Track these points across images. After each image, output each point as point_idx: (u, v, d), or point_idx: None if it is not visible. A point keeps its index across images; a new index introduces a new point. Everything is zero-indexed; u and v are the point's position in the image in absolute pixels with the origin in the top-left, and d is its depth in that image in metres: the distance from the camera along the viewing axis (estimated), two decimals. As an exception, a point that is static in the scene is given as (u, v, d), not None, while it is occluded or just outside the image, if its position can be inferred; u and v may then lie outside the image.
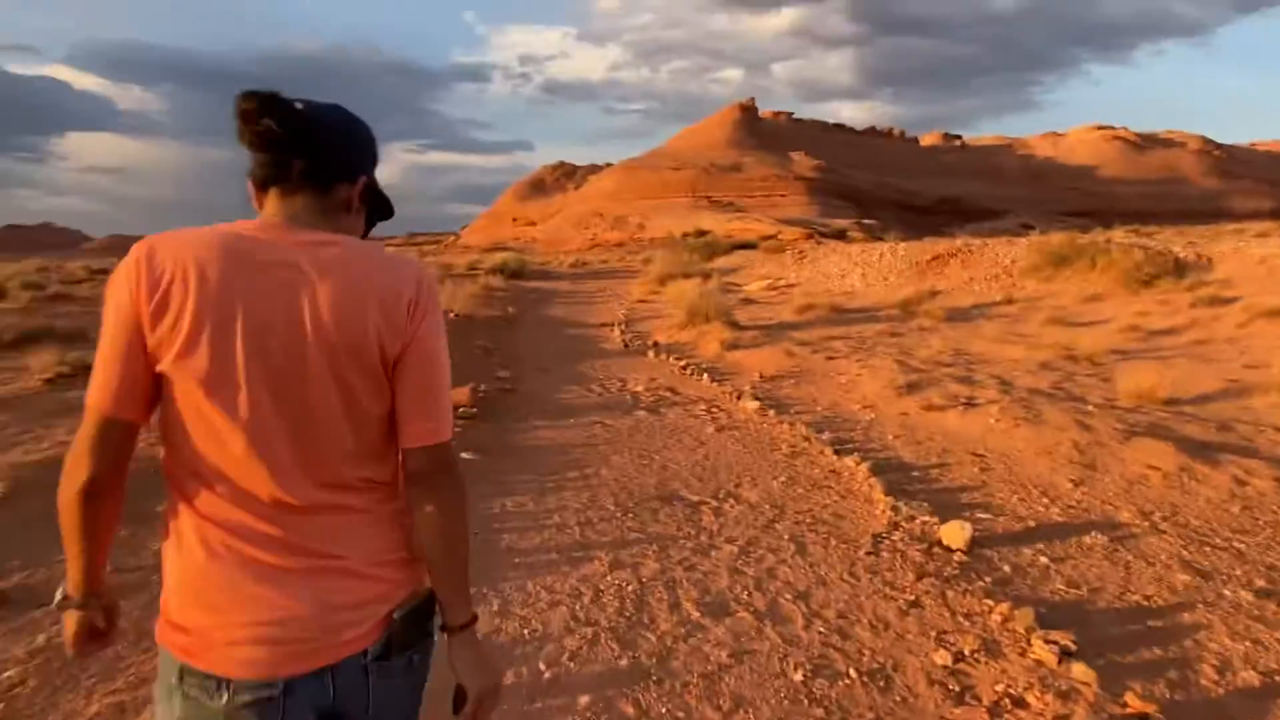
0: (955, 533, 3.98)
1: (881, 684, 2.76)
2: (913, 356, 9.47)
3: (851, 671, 2.83)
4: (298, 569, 1.13)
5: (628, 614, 3.28)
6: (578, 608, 3.32)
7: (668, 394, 8.13)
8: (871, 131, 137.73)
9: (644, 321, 15.01)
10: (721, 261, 28.46)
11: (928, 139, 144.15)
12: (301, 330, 1.11)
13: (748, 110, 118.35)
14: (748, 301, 16.68)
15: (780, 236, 56.21)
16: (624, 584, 3.55)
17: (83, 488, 1.13)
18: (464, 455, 5.50)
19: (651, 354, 10.94)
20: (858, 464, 5.32)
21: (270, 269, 1.12)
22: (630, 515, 4.46)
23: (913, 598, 3.41)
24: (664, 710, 2.61)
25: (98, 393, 1.12)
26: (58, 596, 1.23)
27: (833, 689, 2.73)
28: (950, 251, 18.70)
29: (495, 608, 3.30)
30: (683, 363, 9.98)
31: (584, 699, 2.67)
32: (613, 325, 14.61)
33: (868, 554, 3.89)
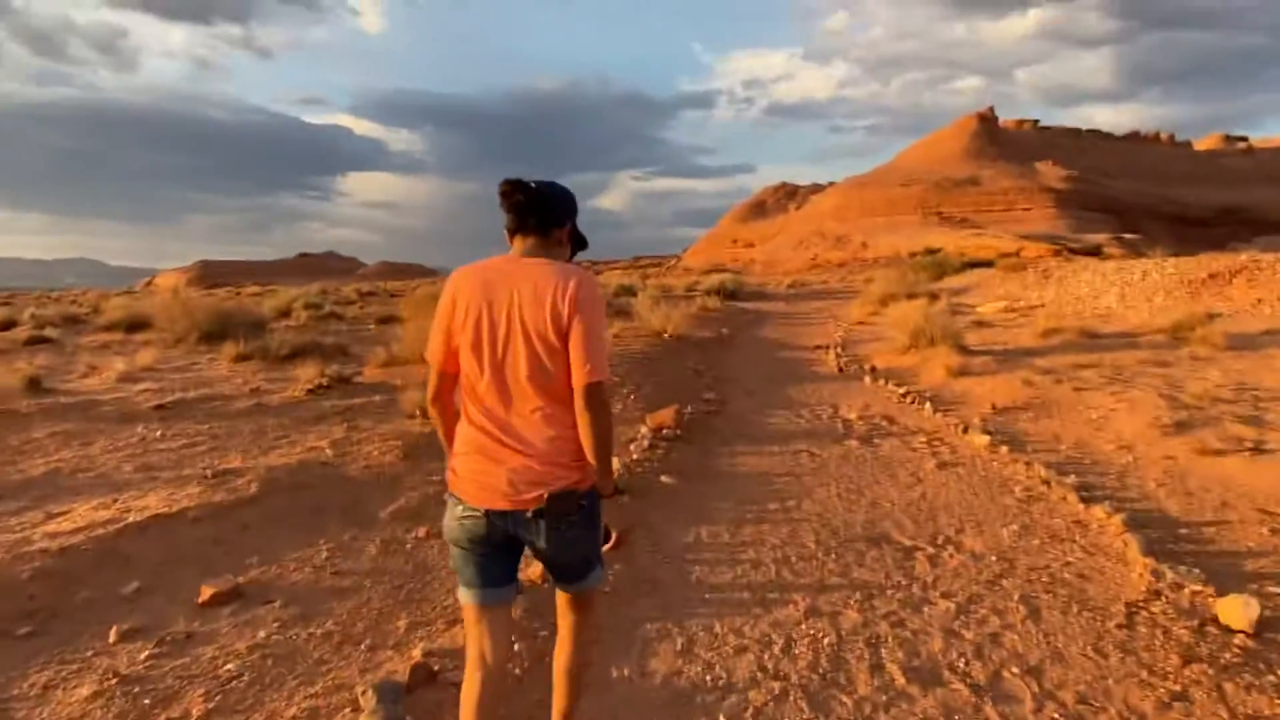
0: (1237, 609, 3.23)
1: (1136, 799, 2.23)
2: (1183, 390, 8.12)
3: (1095, 776, 2.33)
4: (506, 449, 1.95)
5: (822, 670, 2.95)
6: (767, 657, 3.05)
7: (883, 423, 7.57)
8: (1134, 136, 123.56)
9: (862, 345, 14.29)
10: (952, 281, 26.66)
11: (1204, 142, 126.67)
12: (517, 320, 1.94)
13: (986, 120, 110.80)
14: (981, 324, 15.37)
15: (1022, 254, 51.81)
16: (820, 635, 3.22)
17: (431, 399, 2.12)
18: (663, 479, 5.40)
19: (868, 379, 10.32)
20: (1109, 515, 4.55)
21: (504, 283, 1.98)
22: (833, 556, 4.10)
23: (1178, 688, 2.78)
24: (856, 793, 2.28)
25: (432, 355, 2.06)
26: (449, 465, 2.10)
27: (1069, 796, 2.25)
28: (1232, 268, 16.11)
29: (679, 646, 3.11)
30: (902, 389, 9.30)
31: (765, 765, 2.40)
32: (828, 348, 14.04)
33: (1119, 627, 3.25)
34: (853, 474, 5.74)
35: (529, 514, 1.93)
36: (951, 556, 4.09)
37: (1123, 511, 4.58)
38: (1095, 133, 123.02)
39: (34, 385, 8.75)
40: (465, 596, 2.05)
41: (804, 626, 3.28)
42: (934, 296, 21.64)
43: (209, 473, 5.05)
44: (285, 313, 21.33)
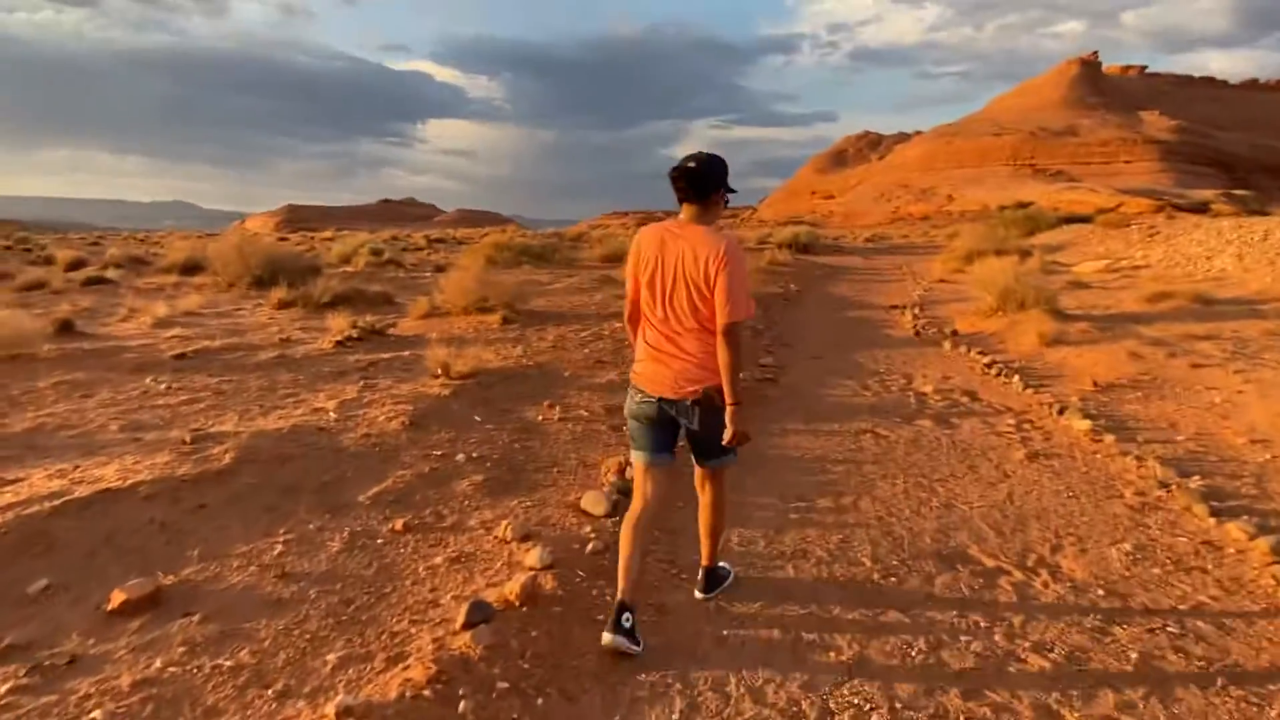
0: None
1: None
2: (1328, 370, 6.89)
3: None
4: (672, 357, 2.71)
5: (867, 763, 2.19)
6: (793, 737, 2.30)
7: (964, 400, 6.61)
8: (1252, 85, 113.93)
9: (942, 305, 13.11)
10: (1046, 237, 24.72)
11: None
12: (680, 270, 2.65)
13: (1088, 65, 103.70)
14: (1078, 285, 13.92)
15: (1122, 209, 48.40)
16: (869, 706, 2.44)
17: (628, 317, 2.92)
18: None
19: (947, 345, 9.28)
20: (1251, 537, 3.61)
21: (674, 242, 2.69)
22: (892, 579, 3.29)
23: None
24: None
25: (630, 287, 2.83)
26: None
27: None
28: (1379, 227, 14.16)
29: (677, 712, 2.39)
30: (987, 358, 8.26)
31: None
32: (904, 308, 12.91)
33: (1285, 713, 2.39)
34: (924, 463, 4.87)
35: (689, 402, 2.69)
36: (1046, 586, 3.23)
37: (1268, 532, 3.63)
38: (1208, 80, 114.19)
39: (65, 329, 8.51)
40: (637, 458, 2.87)
41: (847, 691, 2.50)
42: (1025, 254, 19.98)
43: (188, 437, 4.53)
44: (348, 258, 21.19)
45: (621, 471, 4.31)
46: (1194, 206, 53.71)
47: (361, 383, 6.29)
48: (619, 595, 2.69)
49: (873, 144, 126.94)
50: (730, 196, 2.75)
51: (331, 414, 5.27)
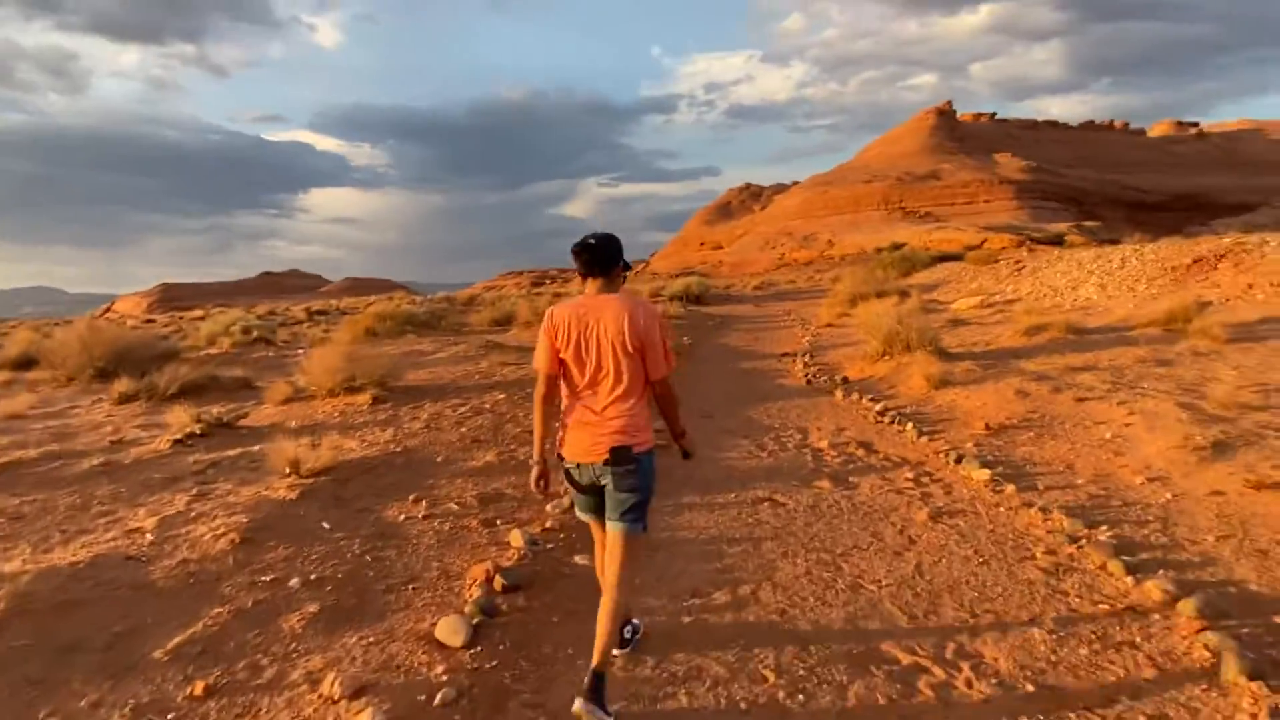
0: None
1: None
2: (1201, 395, 7.00)
3: None
4: (591, 425, 2.81)
5: None
6: None
7: (860, 453, 6.34)
8: (1089, 126, 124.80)
9: (831, 350, 13.12)
10: (922, 276, 25.67)
11: (1157, 129, 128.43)
12: (604, 337, 2.79)
13: (944, 114, 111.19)
14: (957, 322, 14.26)
15: (986, 245, 51.33)
16: None
17: (541, 397, 2.91)
18: (577, 560, 4.12)
19: (839, 393, 9.12)
20: (1174, 598, 3.34)
21: (590, 314, 2.82)
22: (800, 695, 2.83)
23: None
24: None
25: (541, 364, 2.90)
26: (532, 461, 2.94)
27: None
28: (1216, 252, 15.19)
29: None
30: (879, 406, 8.10)
31: None
32: (795, 355, 12.85)
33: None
34: (826, 534, 4.48)
35: (601, 463, 2.81)
36: (970, 685, 2.84)
37: (1188, 591, 3.37)
38: (1051, 123, 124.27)
39: None
40: (582, 516, 3.09)
41: None
42: (904, 294, 20.55)
43: (-55, 589, 3.65)
44: (215, 339, 19.78)
45: (490, 580, 3.72)
46: (1050, 239, 57.57)
47: (195, 490, 5.46)
48: (593, 661, 2.76)
49: (754, 195, 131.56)
50: (626, 273, 2.99)
51: (148, 536, 4.46)
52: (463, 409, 8.02)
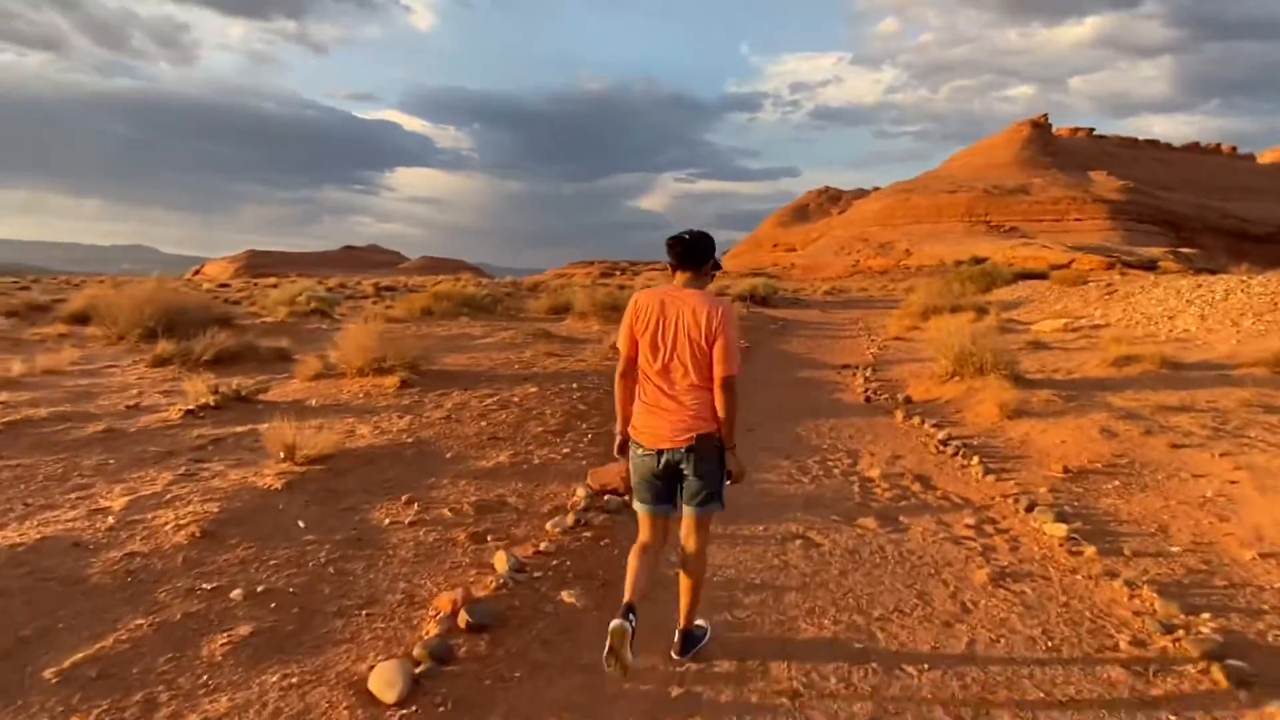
0: None
1: None
2: (1324, 453, 6.04)
3: None
4: (667, 410, 2.91)
5: None
6: None
7: (915, 488, 5.61)
8: (1194, 148, 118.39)
9: (896, 366, 12.25)
10: (1002, 293, 24.30)
11: (1268, 155, 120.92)
12: (681, 328, 2.89)
13: (1039, 127, 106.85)
14: (1037, 346, 13.19)
15: (1074, 265, 48.88)
16: None
17: (620, 375, 3.06)
18: (564, 596, 3.54)
19: (899, 414, 8.34)
20: (1302, 727, 2.58)
21: (672, 304, 2.92)
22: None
23: None
24: None
25: (622, 345, 3.02)
26: (615, 431, 3.12)
27: None
28: (1340, 289, 13.71)
29: None
30: (943, 433, 7.31)
31: None
32: (856, 369, 12.03)
33: None
34: (863, 589, 3.80)
35: (684, 449, 2.88)
36: (1025, 831, 2.16)
37: (1323, 718, 2.60)
38: (1152, 143, 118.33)
39: None
40: (639, 508, 3.06)
41: None
42: (982, 311, 19.39)
43: None
44: (290, 305, 19.94)
45: (455, 614, 3.18)
46: (1143, 263, 54.61)
47: (184, 469, 5.10)
48: (626, 598, 2.78)
49: (833, 199, 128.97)
50: (715, 270, 3.08)
51: (109, 519, 4.07)
52: (490, 400, 7.54)
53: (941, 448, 6.85)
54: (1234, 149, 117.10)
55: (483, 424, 6.60)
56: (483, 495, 4.88)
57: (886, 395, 9.66)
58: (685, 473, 2.90)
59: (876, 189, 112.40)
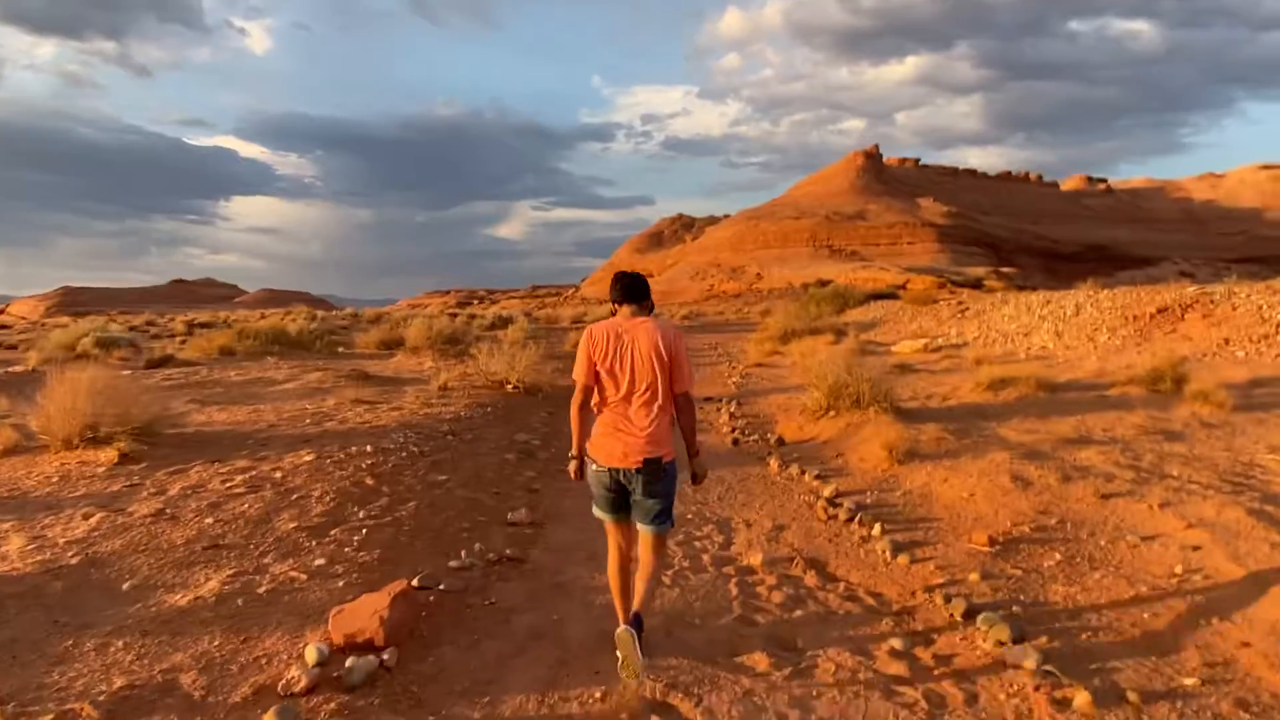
0: None
1: None
2: (1259, 491, 5.09)
3: None
4: (624, 433, 3.12)
5: None
6: None
7: (810, 580, 4.14)
8: (1006, 176, 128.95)
9: (762, 397, 11.01)
10: (856, 314, 24.09)
11: (1069, 183, 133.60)
12: (639, 354, 3.14)
13: (871, 157, 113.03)
14: (904, 368, 12.35)
15: (908, 286, 50.93)
16: None
17: (578, 405, 3.22)
18: None
19: (774, 462, 6.97)
20: None
21: (627, 334, 3.18)
22: None
23: None
24: None
25: (580, 375, 3.23)
26: (570, 454, 3.29)
27: None
28: (1181, 303, 13.79)
29: None
30: (829, 487, 5.96)
31: None
32: (720, 402, 10.69)
33: None
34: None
35: (634, 470, 3.10)
36: None
37: None
38: (970, 172, 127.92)
39: None
40: (602, 516, 3.32)
41: None
42: (840, 332, 18.81)
43: None
44: (71, 347, 16.71)
45: None
46: (969, 283, 57.81)
47: None
48: (627, 613, 3.19)
49: (687, 225, 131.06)
50: (651, 308, 3.38)
51: None
52: (238, 479, 5.50)
53: (831, 509, 5.46)
54: (1040, 177, 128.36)
55: (207, 522, 4.58)
56: (139, 673, 2.95)
57: (756, 435, 8.31)
58: (634, 493, 3.17)
59: (727, 216, 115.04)
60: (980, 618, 3.53)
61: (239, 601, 3.55)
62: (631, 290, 3.27)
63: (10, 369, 13.63)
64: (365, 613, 3.18)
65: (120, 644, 3.17)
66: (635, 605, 3.19)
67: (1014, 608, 3.68)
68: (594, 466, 3.19)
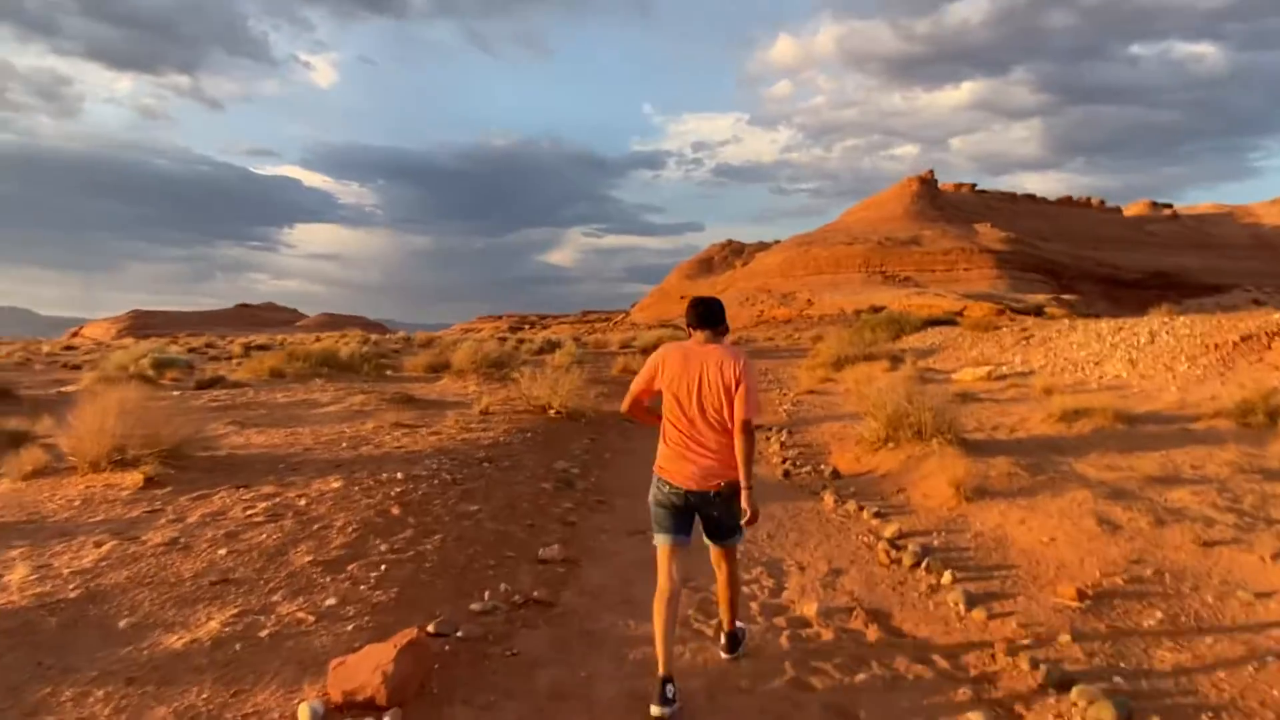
0: None
1: None
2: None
3: None
4: (696, 455, 3.20)
5: None
6: None
7: (872, 635, 3.66)
8: (1066, 201, 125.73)
9: (815, 426, 10.49)
10: (913, 340, 23.28)
11: (1132, 209, 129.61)
12: (706, 380, 3.22)
13: (926, 182, 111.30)
14: (966, 397, 11.68)
15: (966, 313, 49.56)
16: None
17: (627, 407, 3.49)
18: None
19: (829, 496, 6.48)
20: None
21: (696, 358, 3.27)
22: None
23: None
24: None
25: (637, 386, 3.41)
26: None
27: None
28: (1269, 330, 12.85)
29: None
30: (890, 527, 5.45)
31: None
32: (770, 430, 10.20)
33: None
34: None
35: (713, 494, 3.19)
36: None
37: None
38: (1030, 197, 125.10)
39: None
40: (660, 540, 3.27)
41: None
42: (896, 359, 18.11)
43: None
44: (127, 368, 17.03)
45: None
46: (1029, 310, 56.12)
47: None
48: (660, 670, 3.04)
49: (736, 251, 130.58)
50: (726, 331, 3.45)
51: None
52: (260, 507, 5.23)
53: (894, 553, 4.95)
54: (1102, 202, 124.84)
55: (220, 554, 4.30)
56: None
57: (809, 467, 7.82)
58: (714, 515, 3.27)
59: (778, 242, 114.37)
60: (1075, 690, 3.02)
61: (237, 646, 3.23)
62: (706, 316, 3.36)
63: (63, 389, 13.83)
64: (368, 666, 2.83)
65: (100, 693, 2.86)
66: (726, 620, 3.51)
67: (1115, 678, 3.16)
68: (666, 487, 3.24)
